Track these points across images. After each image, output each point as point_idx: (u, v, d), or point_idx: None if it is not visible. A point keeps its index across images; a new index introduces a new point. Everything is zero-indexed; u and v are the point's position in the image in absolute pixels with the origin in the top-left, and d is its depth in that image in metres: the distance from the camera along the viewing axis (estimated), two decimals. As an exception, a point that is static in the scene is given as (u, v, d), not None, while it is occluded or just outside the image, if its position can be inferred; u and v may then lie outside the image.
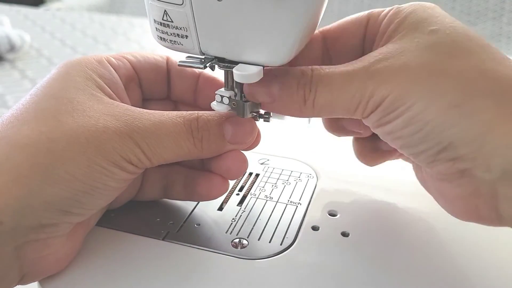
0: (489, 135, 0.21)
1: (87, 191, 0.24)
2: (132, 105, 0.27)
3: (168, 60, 0.32)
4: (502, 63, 0.23)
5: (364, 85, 0.23)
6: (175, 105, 0.33)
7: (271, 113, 0.29)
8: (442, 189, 0.25)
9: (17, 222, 0.22)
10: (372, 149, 0.30)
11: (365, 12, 0.27)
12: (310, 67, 0.25)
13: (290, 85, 0.25)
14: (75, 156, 0.23)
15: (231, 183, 0.33)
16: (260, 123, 0.29)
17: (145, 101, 0.32)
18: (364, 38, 0.27)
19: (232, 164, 0.28)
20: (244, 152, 0.29)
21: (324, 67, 0.24)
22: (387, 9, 0.26)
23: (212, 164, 0.29)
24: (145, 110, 0.26)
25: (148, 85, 0.32)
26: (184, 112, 0.27)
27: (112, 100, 0.26)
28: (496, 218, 0.23)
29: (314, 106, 0.24)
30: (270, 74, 0.25)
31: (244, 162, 0.29)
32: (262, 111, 0.29)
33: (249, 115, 0.28)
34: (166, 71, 0.32)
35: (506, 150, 0.21)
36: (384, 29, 0.26)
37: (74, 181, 0.23)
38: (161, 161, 0.26)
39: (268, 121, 0.29)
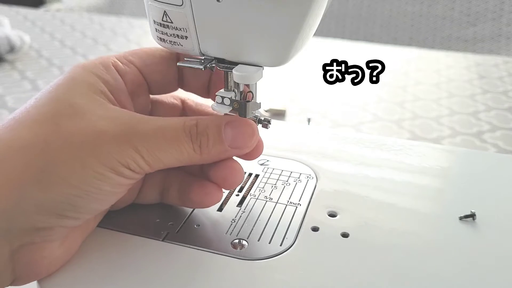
0: None
1: (81, 195, 0.23)
2: (138, 111, 0.27)
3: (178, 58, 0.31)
4: None
5: None
6: (183, 109, 0.33)
7: (270, 119, 0.29)
8: None
9: (11, 225, 0.22)
10: None
11: None
12: None
13: None
14: (68, 159, 0.23)
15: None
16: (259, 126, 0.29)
17: (153, 103, 0.32)
18: None
19: (228, 174, 0.28)
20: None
21: None
22: None
23: (209, 172, 0.29)
24: (146, 116, 0.26)
25: (157, 87, 0.31)
26: (185, 118, 0.27)
27: (114, 106, 0.26)
28: None
29: None
30: None
31: (240, 172, 0.29)
32: (262, 117, 0.29)
33: (251, 115, 0.28)
34: (176, 69, 0.31)
35: None
36: None
37: (66, 185, 0.23)
38: (160, 166, 0.26)
39: (267, 128, 0.29)
